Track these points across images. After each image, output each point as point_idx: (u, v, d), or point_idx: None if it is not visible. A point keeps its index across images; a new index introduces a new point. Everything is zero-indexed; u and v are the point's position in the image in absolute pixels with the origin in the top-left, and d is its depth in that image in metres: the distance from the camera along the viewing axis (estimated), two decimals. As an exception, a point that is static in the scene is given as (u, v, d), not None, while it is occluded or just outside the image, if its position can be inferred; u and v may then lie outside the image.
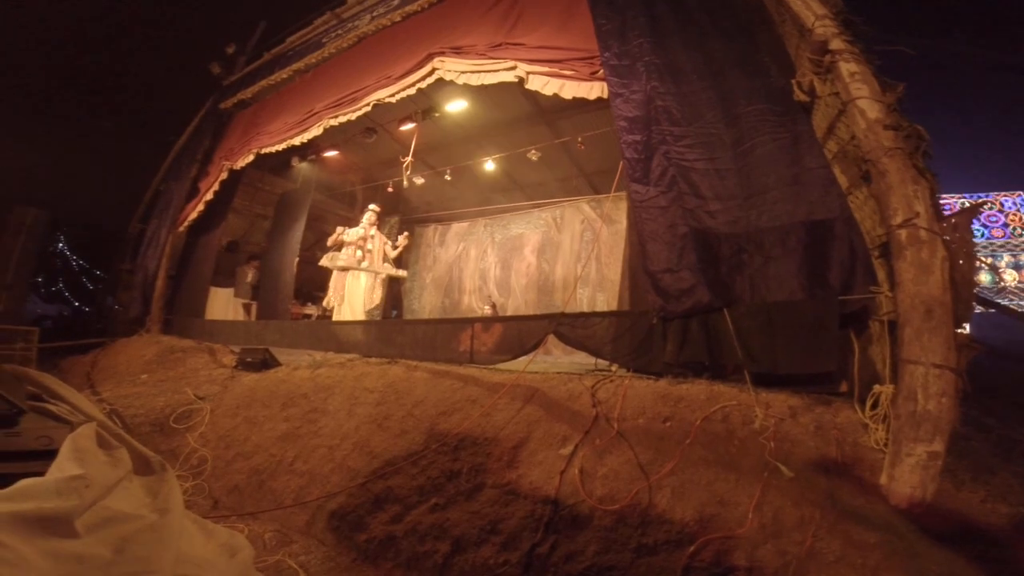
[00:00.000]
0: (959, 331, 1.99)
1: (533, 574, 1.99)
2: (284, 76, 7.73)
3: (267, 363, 4.88)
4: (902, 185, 2.18)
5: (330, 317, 7.11)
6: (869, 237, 2.55)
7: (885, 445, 2.00)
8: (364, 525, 2.51)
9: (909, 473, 1.84)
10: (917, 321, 1.98)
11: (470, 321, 4.35)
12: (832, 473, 2.00)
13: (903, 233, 2.12)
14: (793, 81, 2.96)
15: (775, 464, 2.06)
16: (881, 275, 2.40)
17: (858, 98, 2.45)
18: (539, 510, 2.21)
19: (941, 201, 2.21)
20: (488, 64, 4.60)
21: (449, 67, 4.94)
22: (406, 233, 8.22)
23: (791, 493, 1.93)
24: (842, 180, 2.74)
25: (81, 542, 0.87)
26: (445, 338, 4.38)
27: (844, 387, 2.50)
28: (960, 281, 2.03)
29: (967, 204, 18.70)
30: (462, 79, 4.86)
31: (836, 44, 2.65)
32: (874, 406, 2.15)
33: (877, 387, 2.18)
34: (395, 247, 7.44)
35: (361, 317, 6.86)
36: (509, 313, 9.10)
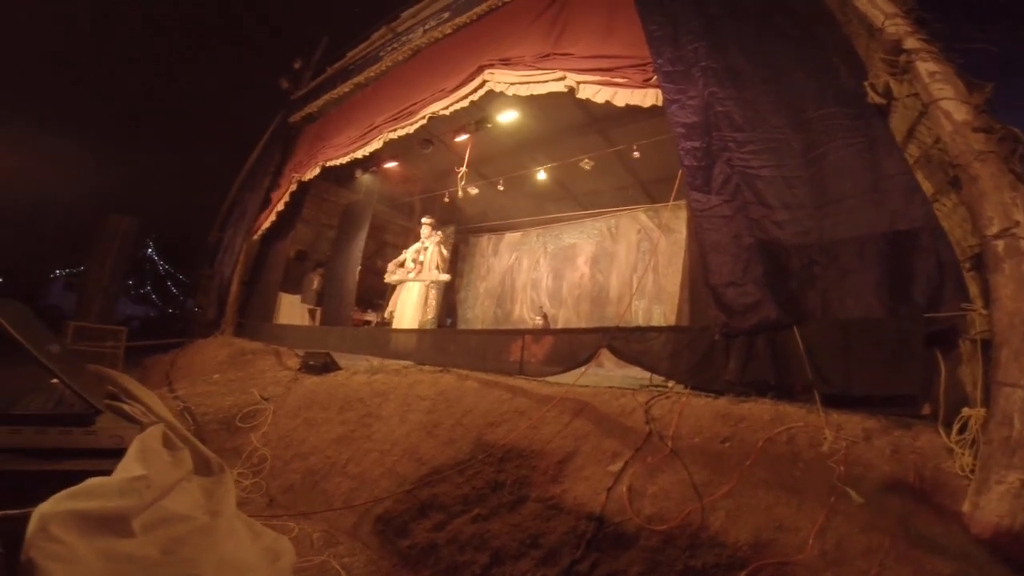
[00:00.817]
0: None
1: (572, 592, 1.93)
2: (346, 90, 8.13)
3: (328, 367, 5.08)
4: (997, 192, 2.00)
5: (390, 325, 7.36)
6: (959, 248, 2.33)
7: (971, 472, 1.82)
8: (408, 531, 2.53)
9: (997, 501, 1.67)
10: (1016, 341, 1.81)
11: (521, 332, 4.34)
12: (907, 499, 1.84)
13: (1000, 244, 1.93)
14: (866, 83, 2.76)
15: (843, 489, 1.91)
16: (974, 290, 2.19)
17: (941, 99, 2.29)
18: (582, 526, 2.15)
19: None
20: (537, 75, 4.63)
21: (499, 79, 5.01)
22: (439, 232, 8.25)
23: (859, 519, 1.79)
24: (926, 187, 2.52)
25: (134, 542, 0.92)
26: (496, 349, 4.40)
27: (927, 410, 2.28)
28: (1069, 298, 1.81)
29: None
30: (511, 90, 4.92)
31: (910, 43, 2.49)
32: (961, 430, 1.95)
33: (966, 410, 1.98)
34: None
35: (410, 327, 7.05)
36: (560, 324, 9.02)
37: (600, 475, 2.41)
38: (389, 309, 7.39)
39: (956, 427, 1.98)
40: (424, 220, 7.53)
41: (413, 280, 7.22)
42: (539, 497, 2.41)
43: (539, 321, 9.19)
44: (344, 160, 7.40)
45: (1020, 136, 2.12)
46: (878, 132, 2.75)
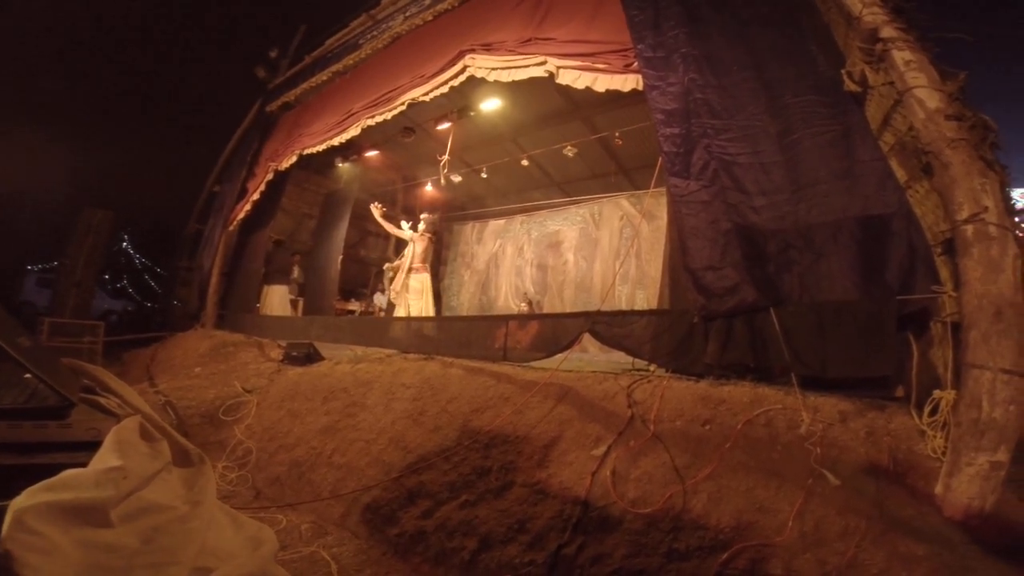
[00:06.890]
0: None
1: (558, 575, 1.96)
2: (324, 78, 7.97)
3: (311, 357, 5.04)
4: (968, 178, 2.04)
5: (372, 314, 7.17)
6: (931, 233, 2.38)
7: (943, 454, 1.87)
8: (396, 519, 2.55)
9: (968, 483, 1.72)
10: (985, 323, 1.85)
11: (505, 318, 4.35)
12: (882, 481, 1.89)
13: (969, 229, 1.97)
14: (843, 71, 2.79)
15: (821, 471, 1.96)
16: (944, 274, 2.24)
17: (915, 87, 2.31)
18: (568, 510, 2.18)
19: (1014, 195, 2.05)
20: (518, 60, 4.58)
21: (480, 64, 4.95)
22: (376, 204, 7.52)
23: (836, 501, 1.84)
24: (900, 173, 2.57)
25: (113, 531, 0.91)
26: (480, 335, 4.41)
27: (900, 392, 2.35)
28: (1035, 280, 1.87)
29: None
30: (493, 76, 4.86)
31: (887, 32, 2.51)
32: (933, 412, 2.01)
33: (937, 392, 2.03)
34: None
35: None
36: (545, 310, 9.05)
37: (584, 459, 2.44)
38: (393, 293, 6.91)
39: (928, 409, 2.03)
40: (424, 215, 7.05)
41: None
42: (525, 482, 2.44)
43: (524, 307, 9.21)
44: (321, 147, 7.25)
45: (991, 124, 2.15)
46: (853, 120, 2.78)
